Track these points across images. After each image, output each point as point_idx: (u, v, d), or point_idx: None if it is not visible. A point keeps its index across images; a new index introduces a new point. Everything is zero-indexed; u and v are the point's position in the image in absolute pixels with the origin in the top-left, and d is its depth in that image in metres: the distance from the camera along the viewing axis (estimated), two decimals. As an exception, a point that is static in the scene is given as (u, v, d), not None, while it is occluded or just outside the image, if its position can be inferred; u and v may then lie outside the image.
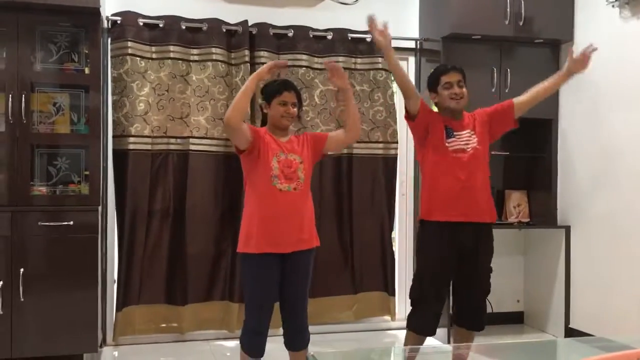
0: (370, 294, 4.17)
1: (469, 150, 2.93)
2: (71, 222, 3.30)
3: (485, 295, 3.03)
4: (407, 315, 3.06)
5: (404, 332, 3.04)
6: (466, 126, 2.99)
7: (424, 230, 3.00)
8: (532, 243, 4.41)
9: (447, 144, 2.92)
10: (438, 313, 2.96)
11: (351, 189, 4.08)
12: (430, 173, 2.97)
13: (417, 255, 3.10)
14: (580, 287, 3.97)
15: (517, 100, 3.07)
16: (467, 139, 2.96)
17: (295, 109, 2.76)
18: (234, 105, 2.60)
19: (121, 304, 3.75)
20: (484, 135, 3.00)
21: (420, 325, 2.94)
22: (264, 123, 2.86)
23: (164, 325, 3.86)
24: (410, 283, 3.05)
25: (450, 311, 3.19)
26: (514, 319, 4.44)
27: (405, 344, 2.99)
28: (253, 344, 2.71)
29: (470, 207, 2.89)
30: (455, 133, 2.95)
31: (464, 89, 2.97)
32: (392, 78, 4.22)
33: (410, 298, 3.02)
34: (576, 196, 4.01)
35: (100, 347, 3.64)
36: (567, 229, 4.05)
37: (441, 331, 3.88)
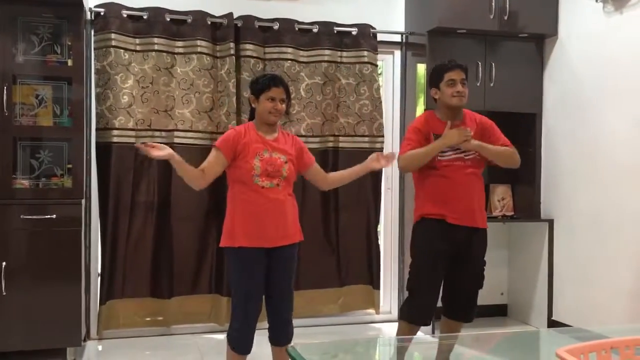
0: (356, 287, 4.18)
1: (467, 160, 2.91)
2: (54, 216, 3.28)
3: (479, 288, 3.04)
4: (399, 306, 3.05)
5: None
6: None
7: (420, 226, 2.96)
8: (516, 236, 4.45)
9: (439, 157, 2.87)
10: (432, 304, 2.96)
11: (337, 182, 4.09)
12: (425, 177, 2.93)
13: (412, 249, 3.03)
14: (563, 280, 4.01)
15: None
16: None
17: (284, 105, 2.74)
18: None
19: (105, 298, 3.73)
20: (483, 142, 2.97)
21: (412, 315, 2.94)
22: (252, 117, 2.85)
23: (148, 318, 3.84)
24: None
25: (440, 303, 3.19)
26: (498, 312, 4.48)
27: (398, 334, 3.00)
28: (241, 340, 2.69)
29: (464, 211, 2.89)
30: None
31: (466, 88, 2.93)
32: (379, 72, 4.25)
33: (407, 289, 3.03)
34: (559, 190, 4.05)
35: (84, 341, 3.62)
36: (551, 223, 4.09)
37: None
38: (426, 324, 2.99)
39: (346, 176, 2.98)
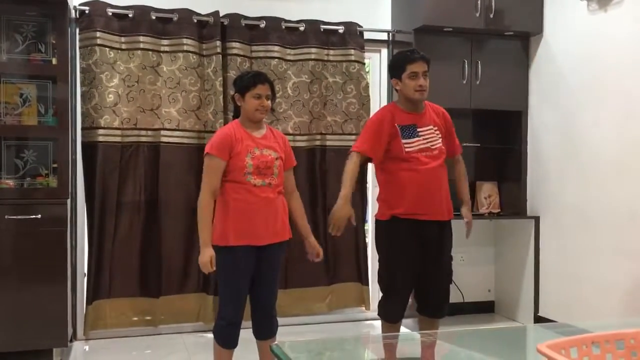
0: (344, 284, 4.19)
1: (434, 150, 2.89)
2: (39, 216, 3.25)
3: (449, 283, 3.05)
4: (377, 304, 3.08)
5: (379, 322, 3.06)
6: (429, 120, 2.92)
7: (391, 225, 2.92)
8: (502, 233, 4.47)
9: (406, 147, 2.84)
10: (406, 302, 2.98)
11: (325, 180, 4.09)
12: (394, 173, 2.90)
13: (383, 247, 3.00)
14: (549, 277, 4.04)
15: (456, 159, 3.11)
16: (431, 137, 2.90)
17: (269, 102, 2.73)
18: None
19: (92, 298, 3.71)
20: (443, 134, 2.97)
21: (388, 314, 2.96)
22: (236, 115, 2.84)
23: (136, 318, 3.83)
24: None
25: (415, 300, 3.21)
26: (485, 309, 4.50)
27: (383, 332, 3.01)
28: (228, 335, 2.72)
29: (435, 206, 2.88)
30: (418, 130, 2.87)
31: (428, 81, 2.87)
32: (367, 70, 4.25)
33: (381, 289, 3.03)
34: (545, 187, 4.08)
35: (71, 341, 3.60)
36: (537, 220, 4.12)
37: (413, 321, 3.92)
38: (398, 320, 2.98)
39: (299, 224, 2.92)
